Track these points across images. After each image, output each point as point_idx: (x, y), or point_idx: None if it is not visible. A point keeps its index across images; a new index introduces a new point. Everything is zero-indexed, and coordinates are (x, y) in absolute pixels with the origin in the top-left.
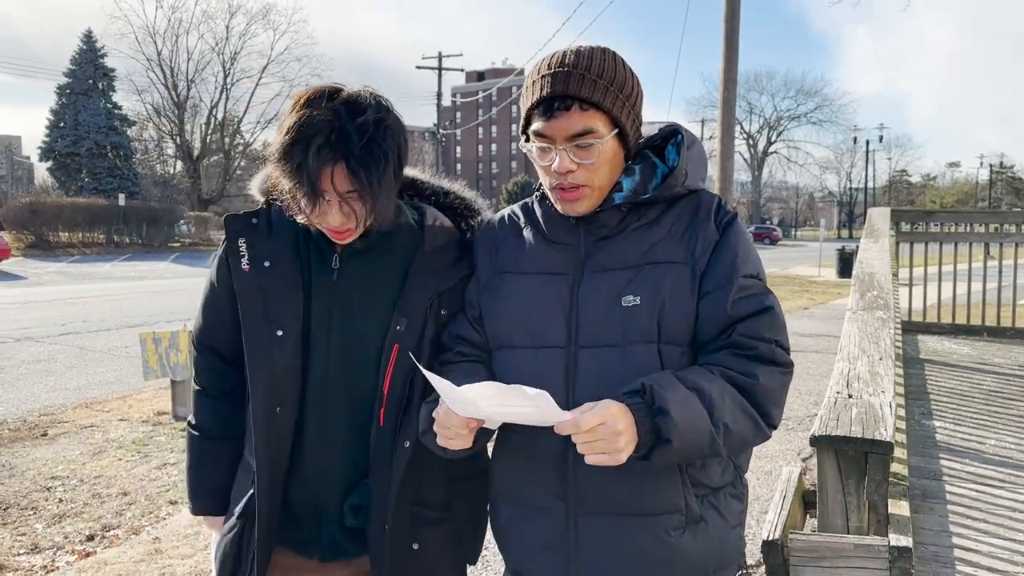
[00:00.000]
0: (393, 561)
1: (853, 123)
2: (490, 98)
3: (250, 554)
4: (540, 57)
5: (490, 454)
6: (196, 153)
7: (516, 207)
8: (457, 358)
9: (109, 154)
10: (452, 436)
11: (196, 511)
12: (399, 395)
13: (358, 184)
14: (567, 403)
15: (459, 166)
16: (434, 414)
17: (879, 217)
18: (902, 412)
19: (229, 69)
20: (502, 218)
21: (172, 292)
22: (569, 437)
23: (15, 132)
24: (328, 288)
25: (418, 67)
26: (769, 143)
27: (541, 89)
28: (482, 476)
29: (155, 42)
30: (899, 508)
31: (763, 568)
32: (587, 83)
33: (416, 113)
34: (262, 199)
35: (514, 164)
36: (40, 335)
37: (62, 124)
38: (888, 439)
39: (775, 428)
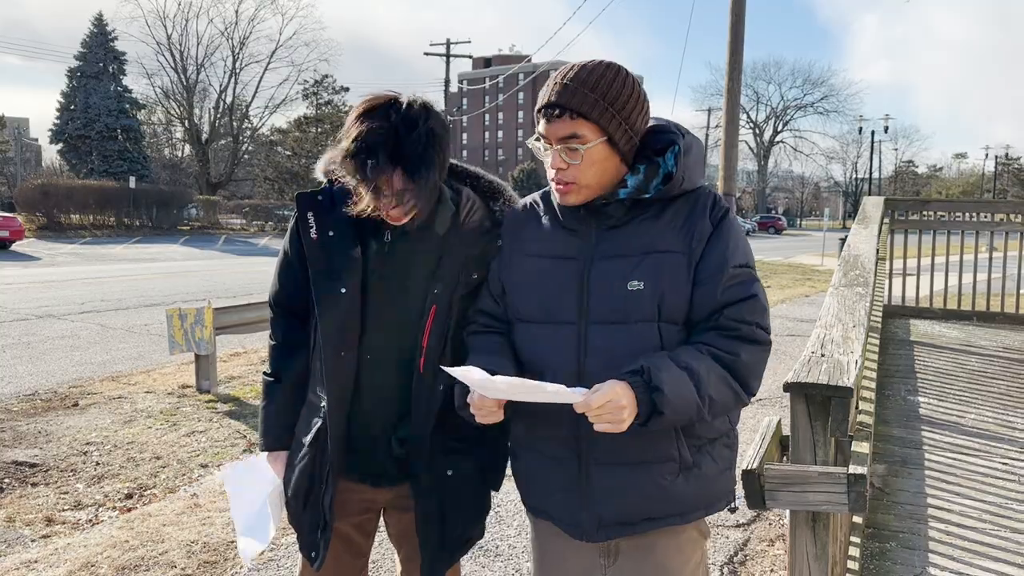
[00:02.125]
0: (431, 484)
1: (859, 113)
2: (497, 85)
3: (322, 476)
4: (547, 47)
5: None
6: (205, 137)
7: (537, 195)
8: (480, 328)
9: (119, 137)
10: (486, 415)
11: (266, 447)
12: (436, 348)
13: (412, 186)
14: (578, 372)
15: (465, 153)
16: (468, 399)
17: (872, 206)
18: (872, 374)
19: (238, 54)
20: (525, 204)
21: (185, 273)
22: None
23: (22, 114)
24: (381, 258)
25: (426, 53)
26: (775, 132)
27: (545, 97)
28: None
29: (165, 26)
30: (860, 447)
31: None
32: (578, 96)
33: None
34: (324, 179)
35: (520, 151)
36: (61, 313)
37: (72, 107)
38: (849, 385)
39: (753, 395)
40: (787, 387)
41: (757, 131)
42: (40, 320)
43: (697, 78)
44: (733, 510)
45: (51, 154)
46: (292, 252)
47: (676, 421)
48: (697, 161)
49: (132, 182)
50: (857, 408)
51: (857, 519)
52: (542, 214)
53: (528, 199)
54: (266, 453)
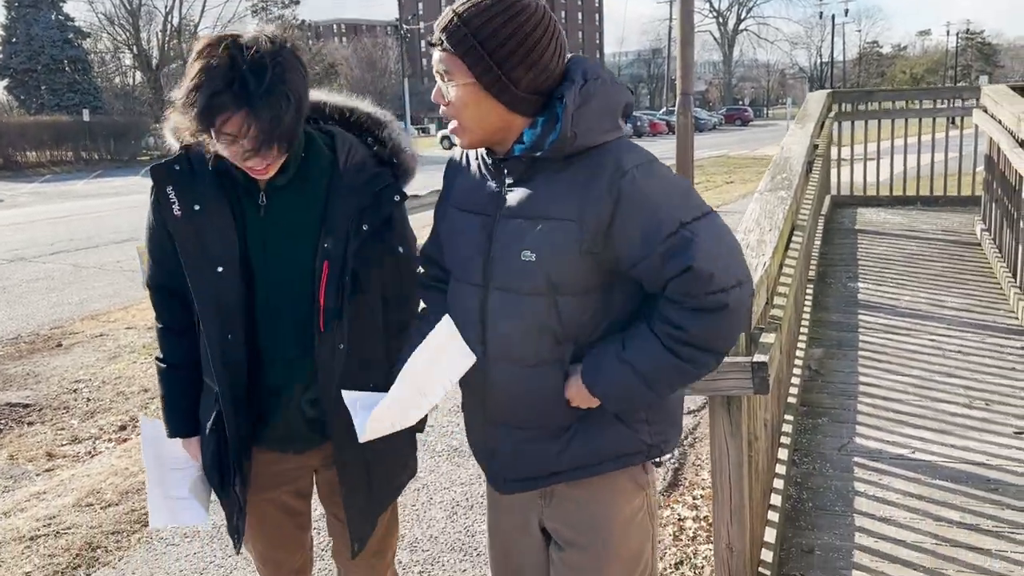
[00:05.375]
0: (348, 441)
1: None
2: None
3: (228, 462)
4: None
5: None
6: (155, 62)
7: None
8: (430, 282)
9: (67, 68)
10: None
11: (172, 434)
12: (333, 303)
13: (263, 127)
14: (482, 336)
15: (425, 60)
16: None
17: (814, 102)
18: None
19: None
20: (464, 151)
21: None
22: (482, 362)
23: None
24: (258, 223)
25: None
26: (739, 20)
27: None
28: None
29: None
30: (767, 338)
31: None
32: (452, 31)
33: (376, 8)
34: (178, 144)
35: None
36: (32, 255)
37: (15, 40)
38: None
39: (723, 355)
40: None
41: (720, 20)
42: (11, 264)
43: None
44: (658, 464)
45: None
46: (159, 229)
47: (629, 412)
48: (602, 111)
49: (86, 115)
50: (770, 303)
51: (791, 399)
52: (472, 159)
53: None
54: (179, 439)
